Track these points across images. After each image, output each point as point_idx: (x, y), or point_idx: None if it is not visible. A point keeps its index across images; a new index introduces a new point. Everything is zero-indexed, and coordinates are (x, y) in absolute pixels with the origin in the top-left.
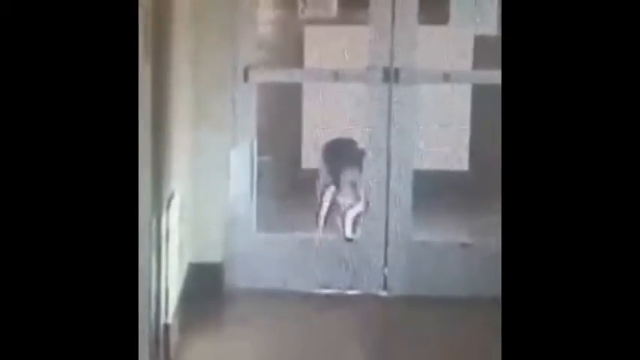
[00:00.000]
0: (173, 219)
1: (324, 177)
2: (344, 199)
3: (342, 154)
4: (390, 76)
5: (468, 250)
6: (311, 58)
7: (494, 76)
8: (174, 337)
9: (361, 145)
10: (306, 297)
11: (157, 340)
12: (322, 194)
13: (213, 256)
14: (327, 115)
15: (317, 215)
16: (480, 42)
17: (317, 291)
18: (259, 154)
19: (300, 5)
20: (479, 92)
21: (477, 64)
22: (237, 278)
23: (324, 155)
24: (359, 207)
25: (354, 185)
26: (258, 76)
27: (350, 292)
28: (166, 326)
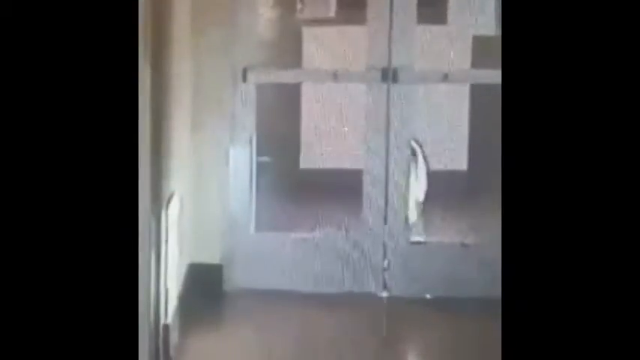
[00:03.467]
0: (172, 219)
1: None
2: None
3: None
4: (389, 75)
5: (468, 251)
6: (310, 59)
7: (492, 76)
8: (173, 337)
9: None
10: (306, 297)
11: (156, 341)
12: None
13: (212, 257)
14: (325, 115)
15: None
16: (478, 42)
17: (316, 291)
18: (258, 154)
19: (299, 5)
20: (477, 92)
21: (475, 63)
22: (237, 278)
23: None
24: None
25: None
26: (257, 77)
27: (349, 293)
28: (166, 326)
